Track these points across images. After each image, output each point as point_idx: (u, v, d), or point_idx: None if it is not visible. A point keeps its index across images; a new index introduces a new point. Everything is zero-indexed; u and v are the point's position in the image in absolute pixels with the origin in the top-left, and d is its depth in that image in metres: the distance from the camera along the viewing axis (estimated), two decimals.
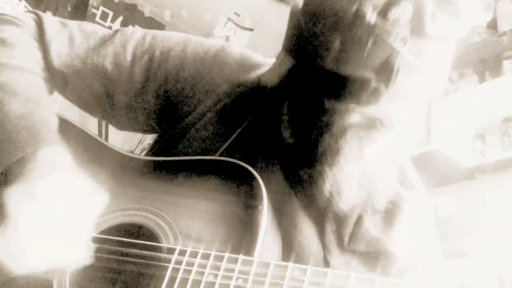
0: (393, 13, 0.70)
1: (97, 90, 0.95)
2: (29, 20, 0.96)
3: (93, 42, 0.96)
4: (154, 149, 1.01)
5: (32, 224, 0.68)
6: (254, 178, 0.78)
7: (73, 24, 0.99)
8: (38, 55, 0.93)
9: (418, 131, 0.86)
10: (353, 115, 0.76)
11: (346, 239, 0.86)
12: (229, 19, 3.34)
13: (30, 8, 3.03)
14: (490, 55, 2.57)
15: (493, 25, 2.63)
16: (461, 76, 2.64)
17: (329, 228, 0.87)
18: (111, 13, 3.40)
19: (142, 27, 3.46)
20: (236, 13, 3.37)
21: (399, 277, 0.80)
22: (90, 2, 3.32)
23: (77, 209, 0.71)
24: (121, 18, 3.45)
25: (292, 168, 0.84)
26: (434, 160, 2.47)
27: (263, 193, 0.76)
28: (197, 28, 3.57)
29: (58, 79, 0.94)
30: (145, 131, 1.06)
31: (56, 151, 0.77)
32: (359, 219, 0.86)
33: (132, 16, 3.49)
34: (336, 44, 0.73)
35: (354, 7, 0.71)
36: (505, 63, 2.48)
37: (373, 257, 0.86)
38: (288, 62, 0.82)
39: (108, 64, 0.94)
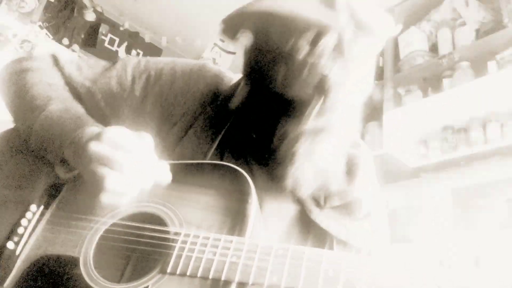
0: (320, 44, 0.75)
1: (102, 108, 0.98)
2: (45, 56, 1.03)
3: (97, 69, 1.02)
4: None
5: (119, 151, 0.73)
6: (244, 177, 0.81)
7: (78, 59, 1.07)
8: (58, 75, 0.99)
9: (357, 121, 0.91)
10: (304, 124, 0.81)
11: (322, 200, 0.91)
12: (215, 44, 3.39)
13: (51, 36, 3.10)
14: (432, 74, 2.58)
15: (434, 49, 2.65)
16: (408, 91, 2.63)
17: (306, 196, 0.91)
18: (117, 39, 3.43)
19: (143, 51, 3.59)
20: (221, 40, 3.42)
21: (367, 218, 0.94)
22: (100, 30, 3.36)
23: (139, 144, 0.76)
24: (125, 43, 3.49)
25: (265, 166, 0.90)
26: (385, 162, 2.50)
27: (252, 189, 0.80)
28: (189, 52, 3.61)
29: (75, 97, 0.97)
30: None
31: (99, 128, 0.81)
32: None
33: (135, 41, 3.53)
34: (282, 71, 0.79)
35: (291, 43, 0.77)
36: (445, 81, 2.48)
37: (344, 207, 0.92)
38: (247, 88, 0.88)
39: (113, 83, 0.99)
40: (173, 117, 0.97)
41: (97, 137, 0.74)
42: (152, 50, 3.59)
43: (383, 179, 2.71)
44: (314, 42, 0.76)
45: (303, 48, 0.76)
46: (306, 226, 0.92)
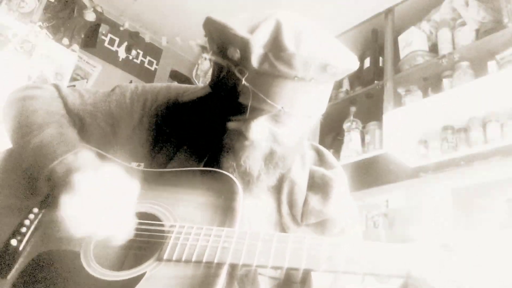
0: (229, 52, 0.83)
1: (104, 128, 1.05)
2: (49, 86, 1.10)
3: (98, 96, 1.09)
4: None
5: (93, 196, 0.78)
6: (231, 179, 0.88)
7: (79, 89, 1.12)
8: (59, 103, 1.05)
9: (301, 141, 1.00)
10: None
11: (298, 217, 0.98)
12: None
13: (51, 36, 3.10)
14: (432, 74, 2.58)
15: (434, 49, 2.64)
16: (408, 91, 2.63)
17: (285, 212, 0.99)
18: (117, 39, 3.44)
19: (143, 51, 3.60)
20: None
21: (341, 234, 1.01)
22: (100, 30, 3.37)
23: (123, 191, 0.81)
24: (125, 43, 3.50)
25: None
26: (385, 162, 2.52)
27: (239, 189, 0.86)
28: (188, 52, 3.63)
29: (76, 123, 1.03)
30: (141, 160, 1.10)
31: (91, 153, 0.89)
32: (305, 201, 1.00)
33: (135, 42, 3.54)
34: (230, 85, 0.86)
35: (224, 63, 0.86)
36: (445, 81, 2.49)
37: (321, 224, 0.99)
38: (206, 89, 0.96)
39: (113, 107, 1.06)
40: (168, 135, 1.04)
41: (90, 174, 0.80)
42: (152, 50, 3.60)
43: (383, 179, 2.73)
44: (225, 47, 0.84)
45: (210, 48, 0.87)
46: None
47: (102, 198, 0.79)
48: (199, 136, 1.00)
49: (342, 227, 1.01)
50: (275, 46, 0.83)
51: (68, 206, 0.77)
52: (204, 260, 0.76)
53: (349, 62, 0.90)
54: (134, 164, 1.02)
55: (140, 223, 0.85)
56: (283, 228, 0.97)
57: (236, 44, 0.82)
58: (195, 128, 1.02)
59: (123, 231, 0.81)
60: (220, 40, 0.84)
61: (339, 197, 1.02)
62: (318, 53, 0.84)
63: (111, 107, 1.06)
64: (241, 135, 0.90)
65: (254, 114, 0.87)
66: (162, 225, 0.85)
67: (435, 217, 2.38)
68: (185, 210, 0.87)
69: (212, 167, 0.93)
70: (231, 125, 0.91)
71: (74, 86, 2.95)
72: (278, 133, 0.91)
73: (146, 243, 0.84)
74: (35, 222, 0.89)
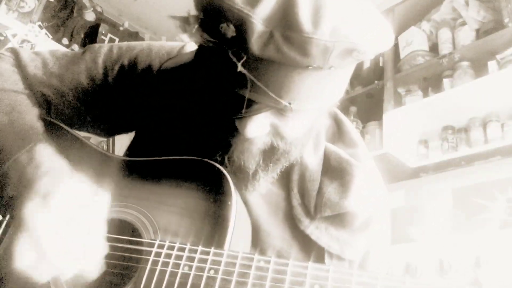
0: (220, 27, 0.63)
1: (74, 105, 0.90)
2: (7, 53, 0.92)
3: (64, 61, 0.91)
4: (133, 143, 0.96)
5: (50, 233, 0.63)
6: (223, 175, 0.75)
7: (45, 51, 0.95)
8: (17, 77, 0.88)
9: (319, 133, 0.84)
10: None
11: (312, 209, 0.82)
12: None
13: (50, 35, 3.09)
14: (432, 74, 2.57)
15: (434, 49, 2.64)
16: (408, 91, 2.62)
17: (296, 202, 0.83)
18: (117, 39, 3.40)
19: None
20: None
21: (364, 228, 0.84)
22: (100, 30, 3.33)
23: (87, 214, 0.66)
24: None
25: None
26: (385, 162, 2.48)
27: (232, 189, 0.73)
28: None
29: (42, 103, 0.89)
30: (125, 132, 1.00)
31: (47, 150, 0.73)
32: (320, 191, 0.83)
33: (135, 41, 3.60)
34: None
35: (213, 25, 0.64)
36: (445, 81, 2.48)
37: (338, 217, 0.83)
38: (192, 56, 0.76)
39: (83, 79, 0.89)
40: (151, 108, 0.89)
41: (43, 197, 0.64)
42: None
43: (384, 179, 2.73)
44: (215, 21, 0.63)
45: (194, 22, 0.65)
46: (293, 228, 0.85)
47: (65, 229, 0.64)
48: (186, 118, 0.84)
49: (366, 221, 0.85)
50: (285, 24, 0.61)
51: (21, 253, 0.62)
52: None
53: (381, 44, 0.68)
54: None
55: (114, 239, 0.74)
56: (294, 222, 0.83)
57: (231, 18, 0.61)
58: (181, 106, 0.85)
59: (94, 265, 0.67)
60: (210, 11, 0.64)
61: (361, 187, 0.84)
62: (343, 35, 0.62)
63: (80, 79, 0.89)
64: (234, 128, 0.72)
65: (252, 109, 0.67)
66: (141, 242, 0.73)
67: (435, 216, 2.37)
68: (167, 217, 0.75)
69: (201, 158, 0.79)
70: (224, 116, 0.72)
71: None
72: (282, 127, 0.73)
73: (120, 267, 0.74)
74: None
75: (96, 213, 0.67)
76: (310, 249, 0.84)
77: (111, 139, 2.98)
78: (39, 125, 0.79)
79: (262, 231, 0.83)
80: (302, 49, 0.61)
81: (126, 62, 0.90)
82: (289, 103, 0.66)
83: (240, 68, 0.63)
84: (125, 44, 0.95)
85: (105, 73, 0.91)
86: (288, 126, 0.73)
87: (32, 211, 0.63)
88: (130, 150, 0.96)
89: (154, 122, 0.89)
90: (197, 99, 0.76)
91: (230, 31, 0.61)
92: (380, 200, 0.90)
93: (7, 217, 0.79)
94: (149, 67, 0.90)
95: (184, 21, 0.64)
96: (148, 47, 0.93)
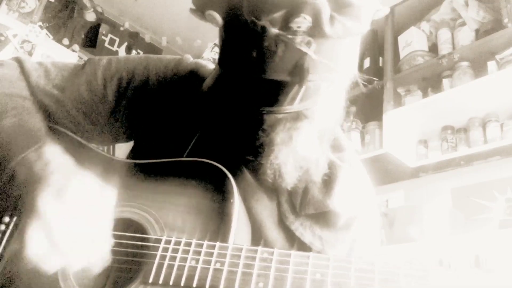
0: (294, 23, 0.68)
1: (75, 116, 0.93)
2: (11, 61, 0.95)
3: (66, 73, 0.95)
4: (133, 151, 0.99)
5: (63, 225, 0.65)
6: (225, 175, 0.78)
7: (47, 62, 0.98)
8: (22, 85, 0.91)
9: (340, 111, 0.87)
10: (281, 111, 0.75)
11: (297, 206, 0.87)
12: (215, 44, 3.32)
13: (51, 36, 3.09)
14: (432, 74, 2.57)
15: (434, 49, 2.64)
16: (408, 91, 2.63)
17: (283, 199, 0.87)
18: (117, 40, 3.41)
19: (143, 52, 3.58)
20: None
21: (347, 227, 0.89)
22: (100, 30, 3.34)
23: (97, 208, 0.68)
24: (126, 43, 3.47)
25: (245, 161, 0.84)
26: (385, 162, 2.50)
27: (234, 188, 0.76)
28: (189, 52, 3.49)
29: (42, 112, 0.90)
30: (125, 141, 1.03)
31: (55, 149, 0.76)
32: (305, 189, 0.87)
33: (135, 42, 3.51)
34: (254, 53, 0.71)
35: (262, 20, 0.69)
36: (444, 81, 2.48)
37: (321, 216, 0.87)
38: (220, 71, 0.80)
39: (83, 90, 0.93)
40: (150, 117, 0.93)
41: (56, 191, 0.66)
42: (152, 50, 3.58)
43: (383, 179, 2.74)
44: (287, 19, 0.69)
45: (275, 26, 0.69)
46: (280, 224, 0.88)
47: (74, 221, 0.66)
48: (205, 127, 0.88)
49: (349, 221, 0.89)
50: (339, 2, 0.70)
51: (34, 241, 0.64)
52: (194, 285, 0.68)
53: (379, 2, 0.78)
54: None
55: (122, 237, 0.76)
56: (281, 219, 0.87)
57: (305, 10, 0.68)
58: (202, 116, 0.88)
59: (102, 257, 0.70)
60: (282, 10, 0.69)
61: (344, 188, 0.89)
62: None
63: (80, 91, 0.92)
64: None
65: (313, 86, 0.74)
66: (147, 239, 0.75)
67: (434, 216, 2.36)
68: (173, 215, 0.78)
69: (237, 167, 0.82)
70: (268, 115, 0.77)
71: None
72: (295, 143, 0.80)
73: (129, 262, 0.76)
74: (7, 235, 0.79)
75: (104, 208, 0.69)
76: (293, 245, 0.87)
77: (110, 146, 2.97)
78: (44, 127, 0.82)
79: (262, 233, 0.87)
80: (357, 18, 0.71)
81: (124, 75, 0.94)
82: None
83: (314, 56, 0.70)
84: (123, 56, 0.99)
85: (104, 85, 0.94)
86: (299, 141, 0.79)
87: (47, 202, 0.65)
88: (134, 155, 0.99)
89: (157, 131, 0.92)
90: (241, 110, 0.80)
91: (307, 22, 0.69)
92: (365, 201, 0.93)
93: (14, 219, 0.81)
94: (147, 79, 0.93)
95: (267, 25, 0.70)
96: (146, 60, 0.96)
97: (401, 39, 2.81)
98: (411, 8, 2.90)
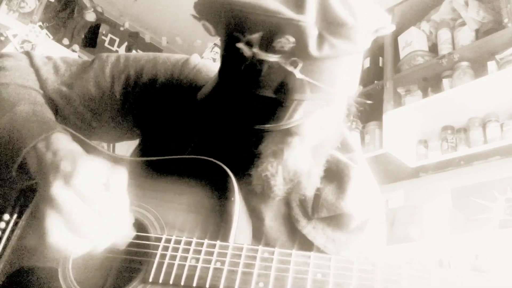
0: (277, 43, 0.66)
1: (82, 113, 0.93)
2: (21, 55, 0.96)
3: (75, 69, 0.95)
4: (138, 149, 0.98)
5: (79, 209, 0.64)
6: (226, 173, 0.77)
7: (56, 57, 0.98)
8: (33, 77, 0.92)
9: (337, 126, 0.85)
10: (271, 125, 0.74)
11: (309, 210, 0.85)
12: (215, 44, 3.33)
13: (51, 36, 3.09)
14: (432, 74, 2.57)
15: (434, 49, 2.64)
16: (407, 91, 2.63)
17: (294, 204, 0.86)
18: (117, 40, 3.42)
19: (143, 51, 3.60)
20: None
21: (360, 229, 0.88)
22: (100, 30, 3.35)
23: (110, 189, 0.67)
24: (126, 43, 3.47)
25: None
26: (385, 161, 2.50)
27: (235, 186, 0.75)
28: (189, 52, 3.59)
29: (50, 107, 0.90)
30: (130, 139, 1.03)
31: (67, 136, 0.76)
32: (317, 192, 0.85)
33: (135, 42, 3.52)
34: (243, 70, 0.70)
35: (246, 37, 0.67)
36: (444, 81, 2.49)
37: (334, 219, 0.86)
38: (217, 80, 0.79)
39: (91, 86, 0.93)
40: (155, 117, 0.93)
41: (66, 177, 0.66)
42: (152, 50, 3.58)
43: (383, 179, 2.74)
44: (269, 39, 0.67)
45: (256, 44, 0.67)
46: (291, 229, 0.88)
47: (92, 205, 0.65)
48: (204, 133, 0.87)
49: (362, 223, 0.88)
50: (330, 22, 0.67)
51: (55, 229, 0.63)
52: (194, 285, 0.68)
53: (386, 20, 0.75)
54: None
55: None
56: (292, 222, 0.86)
57: (289, 30, 0.66)
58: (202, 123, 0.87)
59: (125, 234, 0.70)
60: (266, 30, 0.67)
61: (357, 190, 0.87)
62: (370, 17, 0.71)
63: (89, 88, 0.93)
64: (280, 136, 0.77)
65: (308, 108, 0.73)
66: (147, 238, 0.74)
67: (434, 216, 2.38)
68: (173, 213, 0.77)
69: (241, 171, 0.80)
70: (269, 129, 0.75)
71: None
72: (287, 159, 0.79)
73: (129, 261, 0.75)
74: (7, 233, 0.79)
75: (117, 189, 0.68)
76: (306, 249, 0.85)
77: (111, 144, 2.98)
78: (55, 119, 0.83)
79: (264, 234, 0.86)
80: (350, 39, 0.68)
81: (132, 72, 0.94)
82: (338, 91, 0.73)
83: (299, 75, 0.68)
84: (132, 54, 0.99)
85: (112, 82, 0.94)
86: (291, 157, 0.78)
87: (59, 189, 0.64)
88: (139, 153, 0.98)
89: (161, 131, 0.92)
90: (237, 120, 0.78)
91: (290, 43, 0.66)
92: (375, 202, 0.93)
93: (14, 216, 0.81)
94: (155, 77, 0.93)
95: (246, 45, 0.67)
96: (154, 58, 0.96)
97: (401, 39, 2.81)
98: (411, 8, 2.90)
